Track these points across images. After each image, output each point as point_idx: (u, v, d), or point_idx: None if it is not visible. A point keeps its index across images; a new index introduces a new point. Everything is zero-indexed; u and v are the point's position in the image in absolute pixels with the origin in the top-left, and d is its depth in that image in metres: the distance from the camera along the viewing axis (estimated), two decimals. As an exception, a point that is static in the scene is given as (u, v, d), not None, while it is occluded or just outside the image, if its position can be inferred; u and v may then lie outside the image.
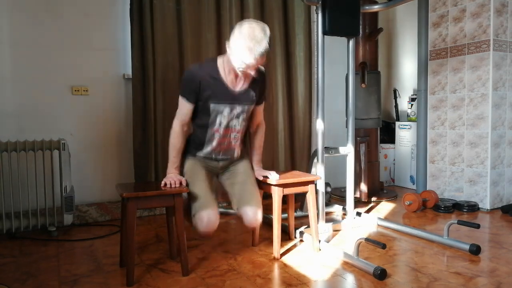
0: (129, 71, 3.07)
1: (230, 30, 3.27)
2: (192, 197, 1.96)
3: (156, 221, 2.94)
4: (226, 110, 2.01)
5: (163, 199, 1.86)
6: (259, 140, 2.26)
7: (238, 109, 2.04)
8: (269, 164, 3.41)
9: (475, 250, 2.13)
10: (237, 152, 2.16)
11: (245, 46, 1.82)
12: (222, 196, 2.32)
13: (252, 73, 1.94)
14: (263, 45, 1.84)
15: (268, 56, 1.95)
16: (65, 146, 2.59)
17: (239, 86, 2.02)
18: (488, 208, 3.11)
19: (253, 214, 2.00)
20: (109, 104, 3.06)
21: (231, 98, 2.01)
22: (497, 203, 3.16)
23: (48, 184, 2.60)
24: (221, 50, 3.25)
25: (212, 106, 1.99)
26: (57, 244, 2.43)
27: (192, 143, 2.13)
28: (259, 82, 2.09)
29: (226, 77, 1.99)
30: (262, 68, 2.11)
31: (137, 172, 3.02)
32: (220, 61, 2.01)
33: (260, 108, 2.21)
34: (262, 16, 3.42)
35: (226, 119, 2.03)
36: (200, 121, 2.05)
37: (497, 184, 3.15)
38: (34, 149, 2.52)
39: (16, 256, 2.22)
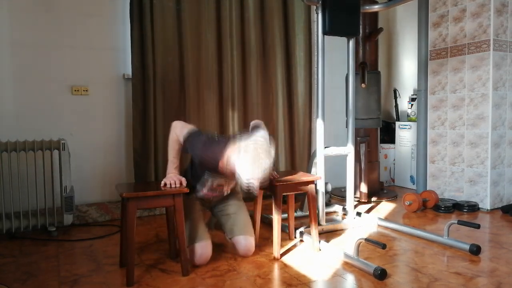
0: (129, 71, 3.07)
1: (230, 30, 3.28)
2: (186, 229, 1.97)
3: (156, 221, 2.94)
4: (219, 177, 2.04)
5: (163, 199, 1.87)
6: None
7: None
8: (269, 164, 3.40)
9: (475, 250, 2.13)
10: (227, 192, 2.19)
11: (249, 171, 1.77)
12: (216, 227, 2.36)
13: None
14: (267, 169, 1.80)
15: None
16: (65, 146, 2.59)
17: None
18: (488, 208, 3.11)
19: (245, 243, 2.09)
20: (109, 104, 3.06)
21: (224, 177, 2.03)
22: (497, 203, 3.16)
23: (48, 184, 2.59)
24: (221, 49, 3.25)
25: (206, 174, 2.02)
26: (57, 244, 2.43)
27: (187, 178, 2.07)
28: None
29: (225, 170, 1.92)
30: None
31: (137, 172, 3.02)
32: (226, 154, 1.88)
33: None
34: (262, 16, 3.42)
35: (218, 181, 2.06)
36: (194, 172, 2.08)
37: (497, 184, 3.15)
38: (34, 149, 2.52)
39: (16, 256, 2.21)
